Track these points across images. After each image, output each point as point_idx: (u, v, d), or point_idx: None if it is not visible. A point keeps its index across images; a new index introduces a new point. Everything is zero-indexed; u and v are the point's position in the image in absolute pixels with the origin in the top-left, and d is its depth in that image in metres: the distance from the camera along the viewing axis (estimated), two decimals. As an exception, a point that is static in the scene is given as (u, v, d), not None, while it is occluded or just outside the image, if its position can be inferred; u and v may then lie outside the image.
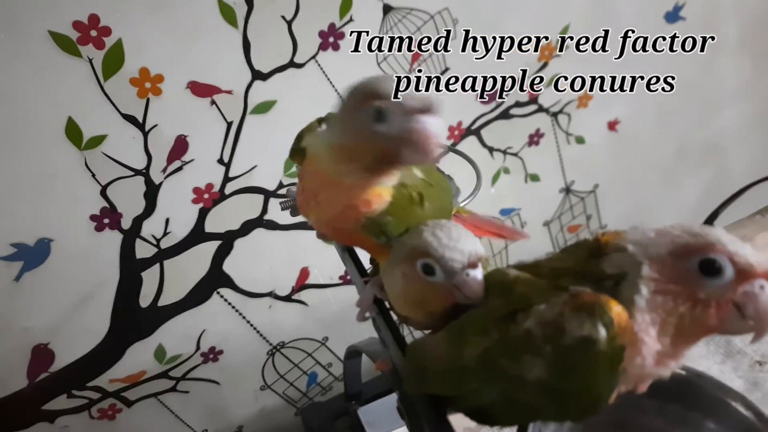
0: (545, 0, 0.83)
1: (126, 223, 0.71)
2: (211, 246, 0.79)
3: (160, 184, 0.71)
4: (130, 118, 0.65)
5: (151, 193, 0.71)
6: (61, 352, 0.76)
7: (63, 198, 0.66)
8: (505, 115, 0.92)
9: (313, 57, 0.71)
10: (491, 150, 0.94)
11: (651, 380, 0.27)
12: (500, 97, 0.88)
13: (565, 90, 0.93)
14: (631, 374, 0.26)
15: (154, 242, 0.74)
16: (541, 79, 0.90)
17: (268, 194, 0.78)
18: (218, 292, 0.83)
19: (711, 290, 0.25)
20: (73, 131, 0.62)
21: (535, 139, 0.97)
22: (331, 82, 0.74)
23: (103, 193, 0.68)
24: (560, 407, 0.27)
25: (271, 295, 0.87)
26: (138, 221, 0.72)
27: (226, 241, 0.79)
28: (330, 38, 0.71)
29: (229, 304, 0.84)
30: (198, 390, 0.90)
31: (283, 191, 0.79)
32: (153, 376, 0.85)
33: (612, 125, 1.04)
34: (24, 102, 0.59)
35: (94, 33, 0.58)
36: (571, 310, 0.25)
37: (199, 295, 0.81)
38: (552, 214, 1.11)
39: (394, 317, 0.39)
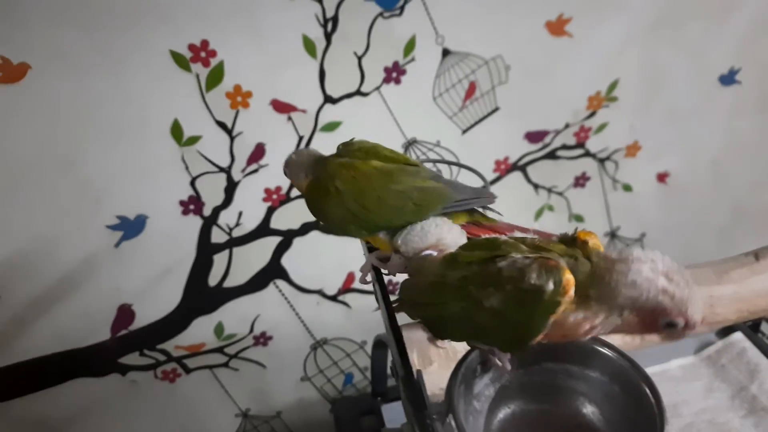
0: (596, 53, 0.90)
1: (207, 211, 0.85)
2: (274, 240, 0.91)
3: (239, 181, 0.84)
4: (221, 125, 0.79)
5: (230, 188, 0.84)
6: (140, 314, 0.90)
7: (161, 183, 0.81)
8: (552, 155, 0.99)
9: (377, 88, 0.83)
10: (536, 186, 1.02)
11: (574, 339, 0.35)
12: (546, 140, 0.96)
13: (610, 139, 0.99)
14: (559, 327, 0.34)
15: (227, 231, 0.88)
16: (588, 128, 0.97)
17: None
18: (275, 283, 0.94)
19: (664, 331, 0.33)
20: (176, 130, 0.77)
21: (580, 181, 1.04)
22: (390, 111, 0.85)
23: (192, 183, 0.82)
24: (500, 333, 0.36)
25: (320, 292, 0.98)
26: (216, 211, 0.86)
27: (287, 238, 0.91)
28: (393, 73, 0.82)
29: (283, 295, 0.96)
30: (246, 370, 1.02)
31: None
32: (210, 349, 0.98)
33: (662, 177, 1.08)
34: (143, 103, 0.74)
35: (203, 54, 0.73)
36: (537, 265, 0.34)
37: (258, 282, 0.94)
38: (595, 257, 1.15)
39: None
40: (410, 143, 0.89)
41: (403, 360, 0.39)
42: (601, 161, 1.02)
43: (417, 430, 0.36)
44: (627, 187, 1.07)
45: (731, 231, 1.18)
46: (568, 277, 0.33)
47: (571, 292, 0.33)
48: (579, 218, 1.08)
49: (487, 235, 0.45)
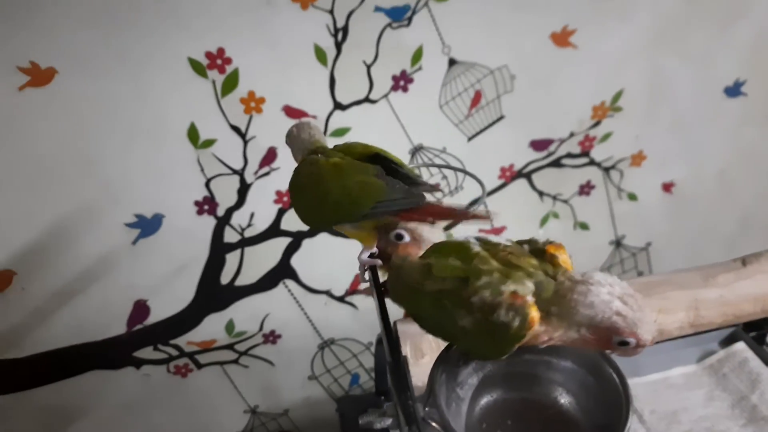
0: (601, 64, 0.92)
1: (220, 212, 0.89)
2: (284, 241, 0.94)
3: (251, 183, 0.88)
4: (235, 129, 0.83)
5: (243, 190, 0.88)
6: (155, 309, 0.94)
7: (177, 184, 0.85)
8: (557, 163, 1.01)
9: (385, 96, 0.86)
10: (541, 194, 1.04)
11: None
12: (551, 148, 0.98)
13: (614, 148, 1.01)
14: (529, 341, 0.37)
15: (240, 231, 0.91)
16: (592, 137, 0.99)
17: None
18: (284, 283, 0.98)
19: (617, 349, 0.36)
20: (192, 133, 0.81)
21: (585, 189, 1.06)
22: (398, 118, 0.88)
23: (207, 184, 0.86)
24: (471, 347, 0.40)
25: (328, 293, 1.01)
26: (229, 211, 0.89)
27: (296, 239, 0.94)
28: (401, 82, 0.85)
29: (292, 294, 0.99)
30: (256, 367, 1.05)
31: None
32: (221, 345, 1.01)
33: (667, 187, 1.10)
34: (161, 107, 0.78)
35: (219, 61, 0.77)
36: (507, 302, 0.37)
37: (268, 281, 0.97)
38: (601, 265, 1.16)
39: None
40: (417, 149, 0.92)
41: (391, 347, 0.42)
42: (606, 170, 1.04)
43: (400, 412, 0.38)
44: (632, 196, 1.08)
45: (738, 241, 1.18)
46: (533, 315, 0.36)
47: (536, 326, 0.36)
48: (584, 226, 1.09)
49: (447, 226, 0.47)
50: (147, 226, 0.86)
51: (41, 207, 0.80)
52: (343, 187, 0.47)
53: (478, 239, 0.42)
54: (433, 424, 0.38)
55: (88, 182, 0.81)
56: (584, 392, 0.43)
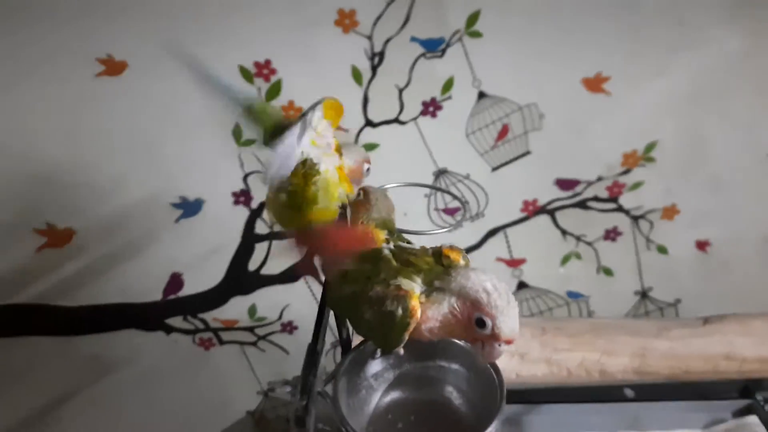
0: (634, 114, 0.93)
1: (254, 205, 0.98)
2: (308, 240, 1.02)
3: (283, 183, 0.96)
4: (274, 132, 0.92)
5: (275, 188, 0.97)
6: (188, 283, 1.05)
7: (219, 175, 0.95)
8: (582, 205, 1.02)
9: (414, 119, 0.92)
10: (564, 232, 1.05)
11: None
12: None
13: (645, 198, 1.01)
14: (415, 334, 0.43)
15: (270, 225, 1.00)
16: (621, 183, 0.99)
17: (357, 213, 1.00)
18: (305, 278, 1.05)
19: (476, 332, 0.40)
20: (237, 132, 0.91)
21: (611, 235, 1.06)
22: (424, 141, 0.94)
23: (245, 179, 0.95)
24: (374, 339, 0.47)
25: (344, 295, 1.07)
26: (262, 206, 0.98)
27: (319, 240, 1.02)
28: (430, 108, 0.91)
29: (311, 290, 1.07)
30: (272, 352, 1.13)
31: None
32: (243, 327, 1.10)
33: (701, 245, 1.07)
34: (213, 105, 0.87)
35: (265, 71, 0.86)
36: (393, 294, 0.43)
37: (290, 275, 1.05)
38: (624, 314, 1.15)
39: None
40: (441, 172, 0.97)
41: (316, 331, 0.48)
42: (635, 218, 1.04)
43: (299, 385, 0.45)
44: (662, 249, 1.07)
45: (779, 313, 1.13)
46: (414, 304, 0.42)
47: (418, 314, 0.42)
48: (608, 271, 1.09)
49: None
50: (189, 208, 0.97)
51: (103, 177, 0.93)
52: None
53: (394, 246, 0.48)
54: (326, 400, 0.44)
55: (145, 162, 0.92)
56: (470, 388, 0.49)
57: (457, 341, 0.49)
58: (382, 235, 0.49)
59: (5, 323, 1.04)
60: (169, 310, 1.06)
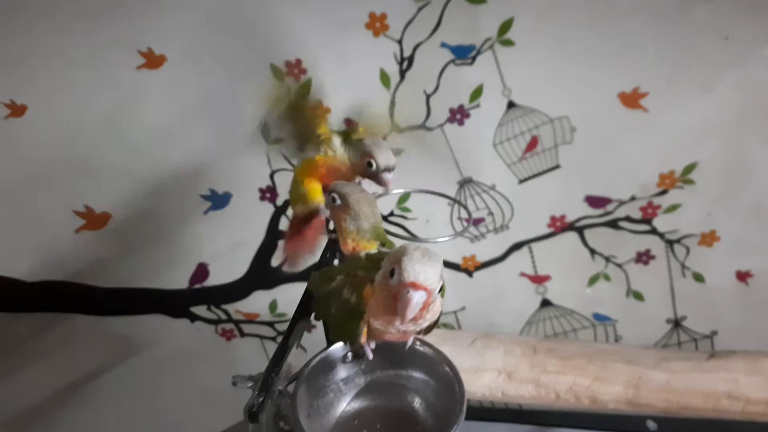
0: (673, 132, 0.89)
1: (279, 202, 1.00)
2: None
3: (309, 182, 0.98)
4: (302, 131, 0.93)
5: (301, 186, 0.98)
6: (213, 274, 1.07)
7: (247, 170, 0.97)
8: (613, 224, 0.98)
9: (441, 126, 0.91)
10: (593, 252, 1.01)
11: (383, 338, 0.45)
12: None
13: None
14: (372, 330, 0.43)
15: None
16: (657, 205, 0.95)
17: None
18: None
19: (390, 285, 0.41)
20: (265, 130, 0.93)
21: (644, 258, 1.01)
22: (450, 148, 0.93)
23: (272, 176, 0.97)
24: (336, 332, 0.49)
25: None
26: (287, 203, 1.00)
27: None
28: (457, 115, 0.90)
29: (330, 290, 1.07)
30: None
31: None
32: (263, 321, 1.12)
33: (742, 276, 1.01)
34: (243, 103, 0.91)
35: (296, 70, 0.88)
36: (349, 284, 0.45)
37: (309, 275, 1.06)
38: (654, 342, 1.10)
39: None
40: (466, 181, 0.95)
41: (286, 334, 0.49)
42: (670, 243, 0.99)
43: (260, 381, 0.46)
44: (698, 277, 1.02)
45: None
46: (367, 290, 0.44)
47: (369, 298, 0.43)
48: (638, 296, 1.05)
49: None
50: (217, 200, 1.00)
51: (141, 166, 0.97)
52: None
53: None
54: (286, 399, 0.44)
55: (180, 153, 0.96)
56: (436, 399, 0.49)
57: (427, 353, 0.49)
58: (374, 247, 0.49)
59: (45, 298, 1.10)
60: (195, 299, 1.10)
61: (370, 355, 0.47)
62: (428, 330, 0.46)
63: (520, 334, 1.09)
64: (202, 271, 1.07)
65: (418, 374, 0.49)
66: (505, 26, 0.83)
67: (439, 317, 0.46)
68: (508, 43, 0.84)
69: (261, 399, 0.46)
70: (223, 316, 1.11)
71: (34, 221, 1.01)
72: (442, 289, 0.43)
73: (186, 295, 1.09)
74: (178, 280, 1.08)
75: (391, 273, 0.41)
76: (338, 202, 0.53)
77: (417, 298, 0.39)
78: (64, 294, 1.09)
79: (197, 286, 1.08)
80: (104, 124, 0.93)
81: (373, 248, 0.51)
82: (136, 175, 0.98)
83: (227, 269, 1.07)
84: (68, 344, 1.13)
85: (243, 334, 1.13)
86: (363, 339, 0.45)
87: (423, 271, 0.39)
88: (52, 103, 0.92)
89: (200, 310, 1.11)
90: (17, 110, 0.92)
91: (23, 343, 1.10)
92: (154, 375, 1.17)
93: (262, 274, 1.07)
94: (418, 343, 0.50)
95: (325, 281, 0.48)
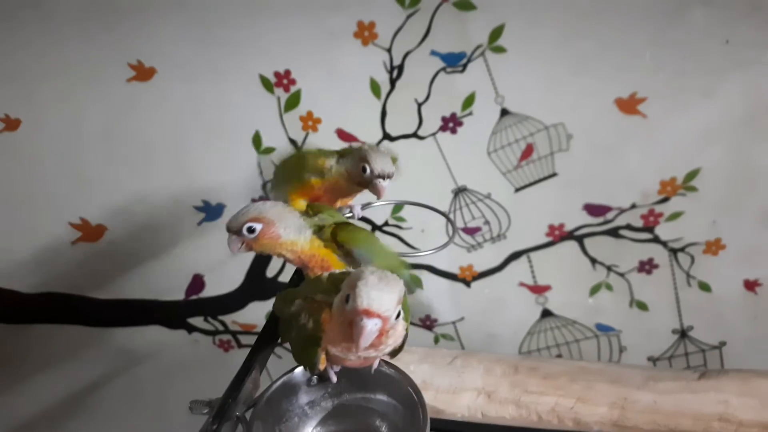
0: (674, 138, 0.86)
1: (272, 212, 0.99)
2: (324, 251, 1.01)
3: (302, 193, 0.97)
4: (293, 142, 0.92)
5: (294, 197, 0.97)
6: (209, 285, 1.07)
7: (239, 181, 0.96)
8: (614, 233, 0.96)
9: (433, 134, 0.90)
10: (594, 261, 0.99)
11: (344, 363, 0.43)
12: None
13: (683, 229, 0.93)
14: (331, 355, 0.42)
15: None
16: (658, 213, 0.92)
17: (374, 226, 0.98)
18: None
19: (346, 311, 0.39)
20: (256, 140, 0.92)
21: (646, 267, 0.98)
22: (444, 157, 0.91)
23: (263, 186, 0.96)
24: (297, 356, 0.48)
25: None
26: (280, 214, 0.99)
27: (336, 251, 1.01)
28: (450, 123, 0.88)
29: (326, 301, 1.06)
30: (288, 360, 1.13)
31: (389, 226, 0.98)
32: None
33: (750, 285, 0.98)
34: (234, 113, 0.90)
35: (285, 81, 0.87)
36: (306, 309, 0.43)
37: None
38: (660, 352, 1.07)
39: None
40: (460, 190, 0.94)
41: (249, 356, 0.48)
42: (674, 251, 0.96)
43: (218, 404, 0.44)
44: (704, 286, 0.98)
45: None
46: (324, 316, 0.42)
47: (325, 324, 0.42)
48: (642, 306, 1.02)
49: None
50: (211, 211, 0.99)
51: (134, 179, 0.97)
52: None
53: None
54: (242, 426, 0.43)
55: (172, 165, 0.95)
56: (401, 419, 0.48)
57: (393, 376, 0.47)
58: (334, 249, 0.48)
59: (43, 310, 1.10)
60: (191, 310, 1.09)
61: (334, 379, 0.46)
62: (394, 354, 0.45)
63: (521, 344, 1.07)
64: (197, 283, 1.06)
65: (384, 397, 0.47)
66: (496, 33, 0.81)
67: (404, 341, 0.44)
68: (500, 49, 0.82)
69: (215, 426, 0.45)
70: (221, 327, 1.11)
71: (30, 233, 1.02)
72: (405, 313, 0.41)
73: (182, 306, 1.09)
74: (175, 291, 1.07)
75: (347, 299, 0.39)
76: (256, 228, 0.50)
77: (371, 326, 0.38)
78: (62, 305, 1.09)
79: (193, 297, 1.08)
80: (97, 137, 0.93)
81: (333, 252, 0.49)
82: (130, 187, 0.98)
83: (223, 280, 1.06)
84: (66, 356, 1.13)
85: (240, 345, 1.12)
86: (322, 366, 0.44)
87: (378, 298, 0.38)
88: (46, 117, 0.92)
89: (197, 321, 1.11)
90: (11, 124, 0.93)
91: (21, 355, 1.11)
92: (152, 386, 1.16)
93: (257, 285, 1.06)
94: (384, 365, 0.48)
95: (287, 304, 0.47)
